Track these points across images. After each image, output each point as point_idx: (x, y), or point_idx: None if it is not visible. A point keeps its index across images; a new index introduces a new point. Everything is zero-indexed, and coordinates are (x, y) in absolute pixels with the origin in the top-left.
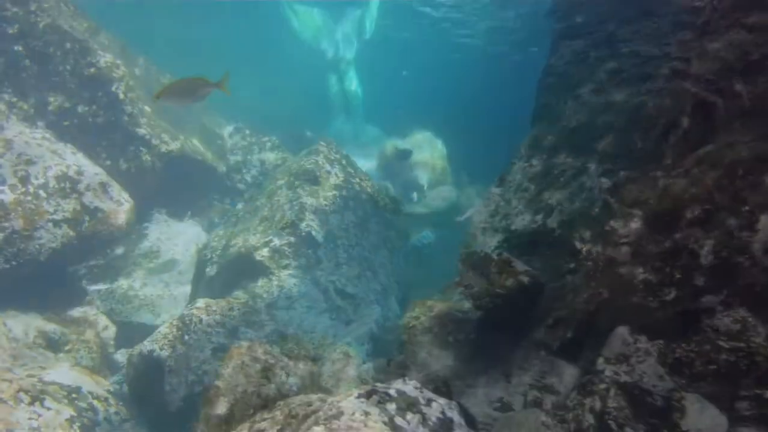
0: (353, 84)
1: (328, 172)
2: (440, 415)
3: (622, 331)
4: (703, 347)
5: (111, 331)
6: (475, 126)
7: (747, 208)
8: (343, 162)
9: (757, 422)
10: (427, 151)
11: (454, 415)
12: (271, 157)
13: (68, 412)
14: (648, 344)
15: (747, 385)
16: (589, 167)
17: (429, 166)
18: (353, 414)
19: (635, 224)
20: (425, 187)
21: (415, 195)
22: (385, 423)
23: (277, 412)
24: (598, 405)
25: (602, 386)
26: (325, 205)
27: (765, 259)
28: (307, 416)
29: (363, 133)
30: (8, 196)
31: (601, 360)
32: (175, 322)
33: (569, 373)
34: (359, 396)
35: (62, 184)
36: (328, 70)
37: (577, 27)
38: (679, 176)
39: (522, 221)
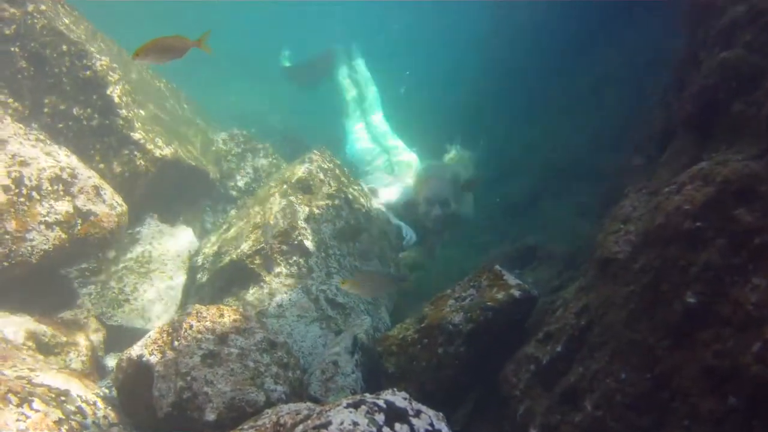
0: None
1: (321, 181)
2: (429, 427)
3: None
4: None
5: (101, 335)
6: None
7: (738, 228)
8: (337, 171)
9: None
10: None
11: (443, 426)
12: (264, 164)
13: (56, 414)
14: None
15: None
16: None
17: None
18: (341, 423)
19: (626, 240)
20: None
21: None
22: None
23: (265, 420)
24: None
25: None
26: (318, 213)
27: (755, 280)
28: (295, 425)
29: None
30: (1, 197)
31: None
32: (165, 328)
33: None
34: (348, 406)
35: (55, 187)
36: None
37: None
38: (672, 193)
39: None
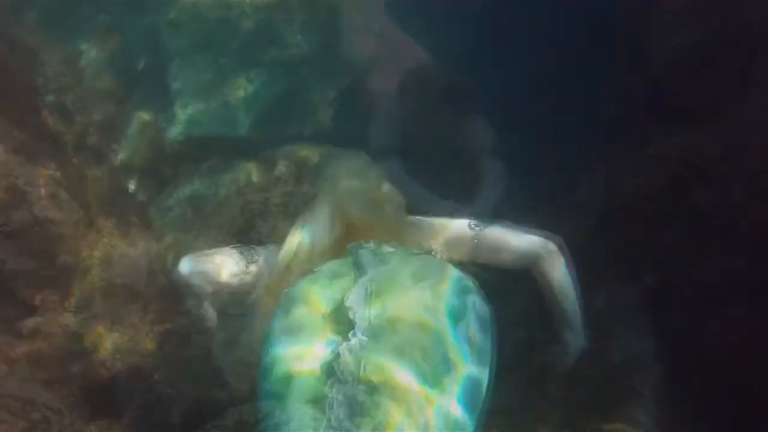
0: None
1: (277, 179)
2: None
3: None
4: None
5: (65, 343)
6: None
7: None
8: (293, 168)
9: None
10: None
11: None
12: (222, 164)
13: (22, 424)
14: None
15: None
16: None
17: None
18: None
19: (586, 225)
20: None
21: None
22: None
23: (228, 419)
24: None
25: None
26: (276, 212)
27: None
28: (257, 422)
29: None
30: None
31: None
32: (128, 332)
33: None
34: None
35: (12, 195)
36: None
37: None
38: (629, 176)
39: None
